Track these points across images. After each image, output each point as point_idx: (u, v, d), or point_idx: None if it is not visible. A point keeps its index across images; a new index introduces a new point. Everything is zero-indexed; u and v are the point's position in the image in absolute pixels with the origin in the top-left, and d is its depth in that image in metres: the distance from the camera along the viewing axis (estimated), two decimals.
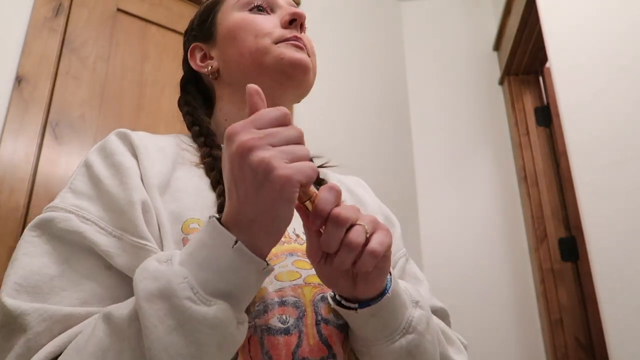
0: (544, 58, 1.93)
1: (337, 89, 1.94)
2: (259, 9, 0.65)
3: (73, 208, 0.49)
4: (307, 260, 0.54)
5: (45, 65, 1.23)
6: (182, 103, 0.71)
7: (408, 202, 2.05)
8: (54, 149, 1.20)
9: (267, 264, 0.41)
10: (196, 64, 0.69)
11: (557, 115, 1.56)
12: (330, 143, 1.83)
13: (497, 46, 2.22)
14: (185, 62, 0.74)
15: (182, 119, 0.69)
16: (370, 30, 2.22)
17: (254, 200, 0.38)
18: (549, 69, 1.54)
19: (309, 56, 0.63)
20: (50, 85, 1.23)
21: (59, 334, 0.41)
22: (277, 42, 0.61)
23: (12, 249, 1.07)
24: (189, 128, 0.66)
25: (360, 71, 2.09)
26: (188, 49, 0.72)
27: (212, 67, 0.66)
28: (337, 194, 0.42)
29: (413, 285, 0.64)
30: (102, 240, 0.47)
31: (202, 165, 0.60)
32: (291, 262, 0.55)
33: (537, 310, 1.84)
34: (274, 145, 0.38)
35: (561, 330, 1.72)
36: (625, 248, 1.07)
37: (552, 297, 1.76)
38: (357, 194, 0.73)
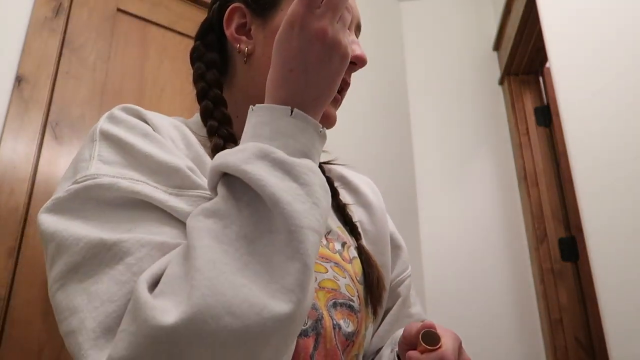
0: (544, 58, 1.93)
1: None
2: None
3: (116, 173, 0.43)
4: (323, 263, 0.55)
5: (45, 65, 1.23)
6: (196, 57, 0.60)
7: (408, 202, 2.05)
8: (54, 149, 1.20)
9: (322, 127, 0.45)
10: (231, 30, 0.58)
11: (557, 115, 1.55)
12: (329, 143, 1.83)
13: (497, 46, 2.22)
14: (218, 11, 0.61)
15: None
16: (370, 30, 2.22)
17: (324, 78, 0.44)
18: (549, 69, 1.54)
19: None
20: (50, 85, 1.23)
21: (157, 258, 0.39)
22: None
23: (12, 248, 1.07)
24: (199, 99, 0.58)
25: (360, 71, 2.08)
26: (228, 5, 0.59)
27: (247, 48, 0.57)
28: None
29: (416, 301, 0.69)
30: (162, 196, 0.43)
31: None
32: None
33: (537, 310, 1.84)
34: (334, 18, 0.43)
35: (561, 330, 1.72)
36: (625, 248, 1.07)
37: (552, 297, 1.76)
38: (363, 194, 0.70)
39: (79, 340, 0.35)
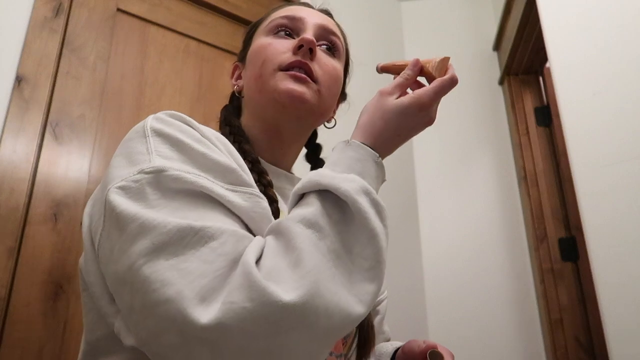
0: (544, 58, 1.93)
1: None
2: (286, 33, 0.69)
3: (179, 168, 0.47)
4: None
5: (45, 65, 1.23)
6: (222, 110, 0.77)
7: (408, 202, 2.05)
8: (54, 149, 1.20)
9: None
10: (232, 81, 0.77)
11: (557, 115, 1.56)
12: (330, 144, 1.83)
13: (497, 46, 2.22)
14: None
15: None
16: (370, 30, 2.22)
17: (405, 140, 0.60)
18: (549, 69, 1.54)
19: (315, 82, 0.65)
20: (50, 85, 1.23)
21: (235, 243, 0.44)
22: (280, 69, 0.64)
23: (12, 249, 1.07)
24: (220, 128, 0.71)
25: (360, 71, 2.08)
26: (233, 65, 0.79)
27: (237, 86, 0.74)
28: None
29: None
30: (220, 191, 0.48)
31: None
32: None
33: (537, 310, 1.84)
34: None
35: (561, 330, 1.72)
36: (625, 248, 1.07)
37: (552, 297, 1.76)
38: None
39: (180, 306, 0.39)
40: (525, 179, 1.94)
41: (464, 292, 1.91)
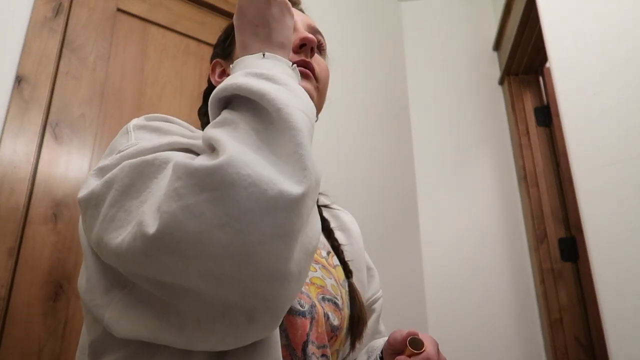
0: (544, 58, 1.93)
1: (336, 89, 1.93)
2: None
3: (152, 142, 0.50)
4: (313, 264, 0.62)
5: (45, 65, 1.23)
6: (202, 113, 0.76)
7: (408, 202, 2.05)
8: (54, 149, 1.20)
9: (293, 64, 0.54)
10: (215, 79, 0.76)
11: (557, 115, 1.56)
12: (330, 143, 1.84)
13: (497, 46, 2.22)
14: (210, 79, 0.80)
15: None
16: (370, 30, 2.22)
17: (282, 28, 0.54)
18: (549, 69, 1.54)
19: (317, 80, 0.66)
20: (50, 85, 1.23)
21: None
22: None
23: (12, 249, 1.07)
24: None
25: (360, 71, 2.09)
26: (211, 63, 0.78)
27: None
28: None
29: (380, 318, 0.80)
30: (185, 140, 0.49)
31: None
32: None
33: (537, 310, 1.84)
34: None
35: (561, 330, 1.72)
36: (625, 248, 1.07)
37: (552, 297, 1.76)
38: (343, 221, 0.81)
39: (142, 219, 0.39)
40: (525, 179, 1.94)
41: (464, 291, 1.91)
